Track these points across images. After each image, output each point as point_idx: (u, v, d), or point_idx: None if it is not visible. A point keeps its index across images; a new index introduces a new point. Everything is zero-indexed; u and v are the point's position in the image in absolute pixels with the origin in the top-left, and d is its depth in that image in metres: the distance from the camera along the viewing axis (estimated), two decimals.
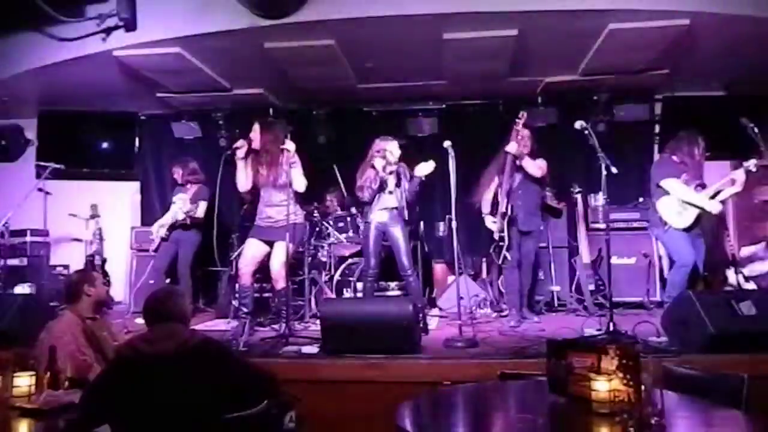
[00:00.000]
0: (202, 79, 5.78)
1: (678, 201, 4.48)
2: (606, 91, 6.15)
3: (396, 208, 4.63)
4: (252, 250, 4.48)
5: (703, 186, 4.50)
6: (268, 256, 4.46)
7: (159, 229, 5.62)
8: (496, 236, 4.80)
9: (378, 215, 4.64)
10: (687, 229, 4.51)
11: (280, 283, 4.44)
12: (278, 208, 4.38)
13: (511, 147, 4.62)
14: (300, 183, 4.37)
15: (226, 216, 6.58)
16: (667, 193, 4.51)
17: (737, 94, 5.99)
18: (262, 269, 4.67)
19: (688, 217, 4.49)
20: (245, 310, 4.44)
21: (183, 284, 5.40)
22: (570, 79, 5.95)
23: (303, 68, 5.56)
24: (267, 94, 6.31)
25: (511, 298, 4.88)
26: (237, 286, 4.56)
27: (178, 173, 5.82)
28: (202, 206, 5.57)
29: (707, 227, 4.70)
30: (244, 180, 4.44)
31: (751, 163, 4.31)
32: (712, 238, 4.96)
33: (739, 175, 4.37)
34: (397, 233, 4.59)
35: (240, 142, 4.36)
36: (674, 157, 4.66)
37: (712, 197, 4.45)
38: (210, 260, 6.70)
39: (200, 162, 7.12)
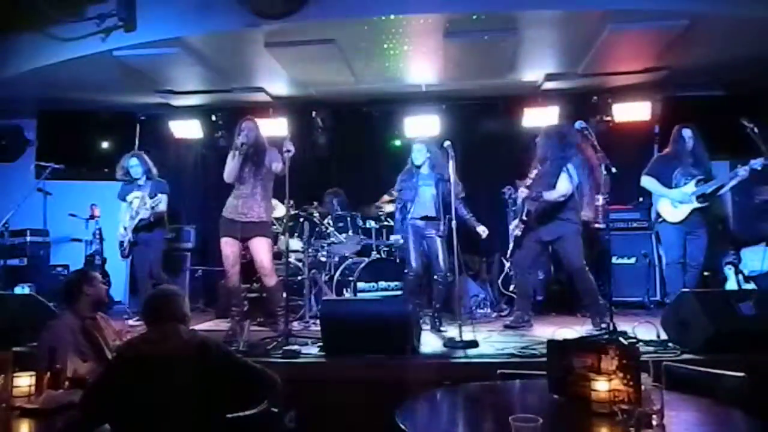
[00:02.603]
0: (202, 79, 5.78)
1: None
2: (606, 91, 6.15)
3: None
4: (232, 249, 4.39)
5: (706, 181, 4.52)
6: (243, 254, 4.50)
7: (126, 232, 5.31)
8: (517, 229, 4.64)
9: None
10: (681, 224, 4.52)
11: (272, 278, 4.43)
12: (258, 203, 4.37)
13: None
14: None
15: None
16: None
17: (737, 94, 5.98)
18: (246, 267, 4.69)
19: (682, 211, 4.52)
20: (237, 309, 4.45)
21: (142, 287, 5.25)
22: (570, 79, 5.95)
23: (303, 68, 5.56)
24: (267, 95, 6.30)
25: (522, 303, 4.74)
26: (225, 289, 4.53)
27: (136, 166, 5.39)
28: (164, 200, 5.34)
29: (707, 224, 4.69)
30: (236, 172, 4.35)
31: (758, 162, 4.32)
32: (712, 237, 4.97)
33: (743, 173, 4.39)
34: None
35: (244, 137, 4.31)
36: (667, 153, 4.70)
37: (708, 194, 4.46)
38: (210, 260, 6.73)
39: (200, 162, 7.17)
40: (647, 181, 4.76)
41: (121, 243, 5.35)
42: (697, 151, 4.67)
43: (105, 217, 6.14)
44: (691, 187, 4.57)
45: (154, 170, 5.47)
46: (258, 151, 4.39)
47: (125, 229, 5.31)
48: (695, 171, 4.61)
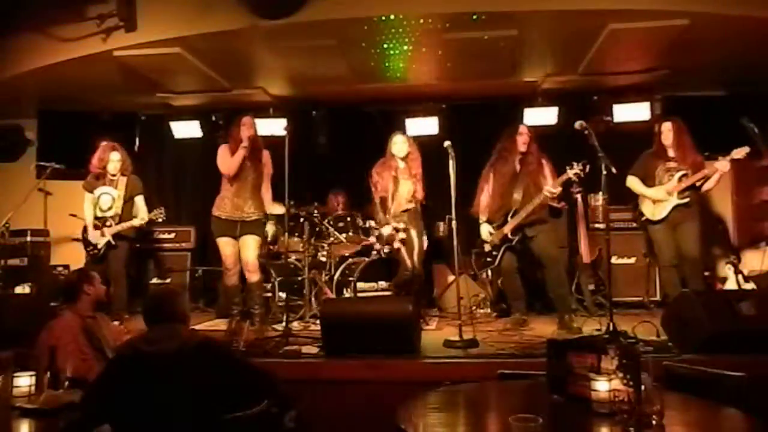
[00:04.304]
0: (202, 79, 5.78)
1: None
2: (606, 91, 6.15)
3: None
4: (233, 249, 4.51)
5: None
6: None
7: (105, 235, 4.92)
8: (488, 248, 4.80)
9: None
10: (664, 221, 4.53)
11: (255, 275, 4.53)
12: (253, 200, 4.50)
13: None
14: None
15: None
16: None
17: (737, 94, 5.98)
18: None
19: (662, 208, 4.52)
20: (237, 309, 4.47)
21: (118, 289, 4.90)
22: (570, 79, 5.95)
23: (303, 68, 5.56)
24: (267, 94, 6.31)
25: (517, 305, 4.79)
26: (224, 288, 4.60)
27: (116, 161, 5.00)
28: (144, 205, 5.06)
29: (698, 219, 4.63)
30: (237, 167, 4.48)
31: (739, 151, 4.30)
32: (712, 237, 4.97)
33: (723, 165, 4.36)
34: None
35: (249, 131, 4.48)
36: (651, 151, 4.69)
37: (692, 188, 4.45)
38: (210, 260, 6.72)
39: (200, 162, 7.16)
40: (630, 181, 4.73)
41: (95, 245, 4.94)
42: (681, 145, 4.56)
43: None
44: (673, 184, 4.52)
45: (131, 167, 5.18)
46: (255, 147, 4.50)
47: (101, 229, 4.93)
48: (680, 166, 4.53)
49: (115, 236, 4.94)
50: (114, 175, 5.02)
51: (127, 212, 5.00)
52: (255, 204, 4.51)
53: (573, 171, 4.38)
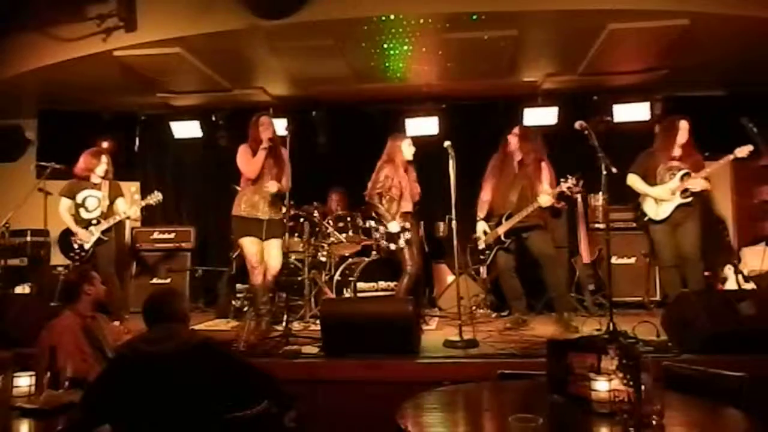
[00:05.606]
0: (202, 79, 5.78)
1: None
2: (606, 91, 6.15)
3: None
4: (256, 248, 4.46)
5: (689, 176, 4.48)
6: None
7: (94, 233, 4.91)
8: (481, 246, 4.83)
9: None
10: (666, 221, 4.51)
11: (273, 281, 4.53)
12: (275, 200, 4.46)
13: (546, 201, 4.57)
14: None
15: (224, 214, 6.59)
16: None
17: (737, 94, 5.98)
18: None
19: (665, 209, 4.51)
20: (264, 309, 4.45)
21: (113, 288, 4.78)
22: (570, 79, 5.95)
23: (303, 68, 5.56)
24: (267, 94, 6.31)
25: (517, 304, 4.81)
26: (251, 286, 4.58)
27: (104, 164, 5.05)
28: (125, 205, 5.08)
29: (699, 218, 4.62)
30: (259, 168, 4.44)
31: (742, 150, 4.29)
32: (712, 237, 4.96)
33: (723, 162, 4.37)
34: None
35: (271, 132, 4.45)
36: (652, 150, 4.68)
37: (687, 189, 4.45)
38: (210, 260, 6.72)
39: (200, 162, 7.16)
40: (631, 179, 4.70)
41: (80, 249, 4.90)
42: (686, 144, 4.53)
43: None
44: (675, 183, 4.50)
45: (112, 171, 5.17)
46: (274, 146, 4.46)
47: (89, 228, 4.91)
48: (682, 165, 4.51)
49: (103, 233, 4.92)
50: (101, 178, 5.05)
51: (110, 213, 5.01)
52: (279, 204, 4.47)
53: (566, 185, 4.45)
